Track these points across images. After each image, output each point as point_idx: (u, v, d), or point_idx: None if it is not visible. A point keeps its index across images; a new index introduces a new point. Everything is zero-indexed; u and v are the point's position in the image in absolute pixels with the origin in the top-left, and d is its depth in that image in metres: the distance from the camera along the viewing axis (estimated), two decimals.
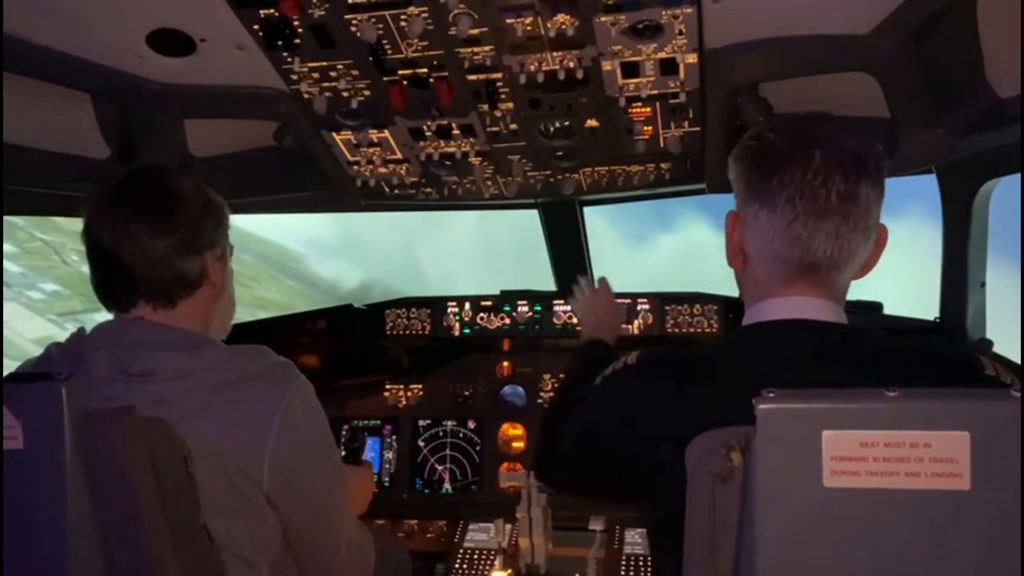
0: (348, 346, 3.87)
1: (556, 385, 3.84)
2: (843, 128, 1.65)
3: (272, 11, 2.13)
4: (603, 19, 2.16)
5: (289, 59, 2.34)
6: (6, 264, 15.51)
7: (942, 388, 1.26)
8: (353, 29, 2.19)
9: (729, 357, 1.67)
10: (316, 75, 2.43)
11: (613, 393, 1.79)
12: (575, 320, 3.64)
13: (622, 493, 1.91)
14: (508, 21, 2.16)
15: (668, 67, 2.36)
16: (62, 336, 2.05)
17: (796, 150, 1.59)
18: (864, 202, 1.59)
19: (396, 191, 3.16)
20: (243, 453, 1.86)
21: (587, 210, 3.66)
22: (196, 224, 1.99)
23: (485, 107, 2.57)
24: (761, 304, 1.68)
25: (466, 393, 3.93)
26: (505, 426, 3.86)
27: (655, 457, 1.61)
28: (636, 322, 3.57)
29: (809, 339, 1.60)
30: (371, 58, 2.33)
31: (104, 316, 2.05)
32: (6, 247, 16.06)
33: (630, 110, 2.59)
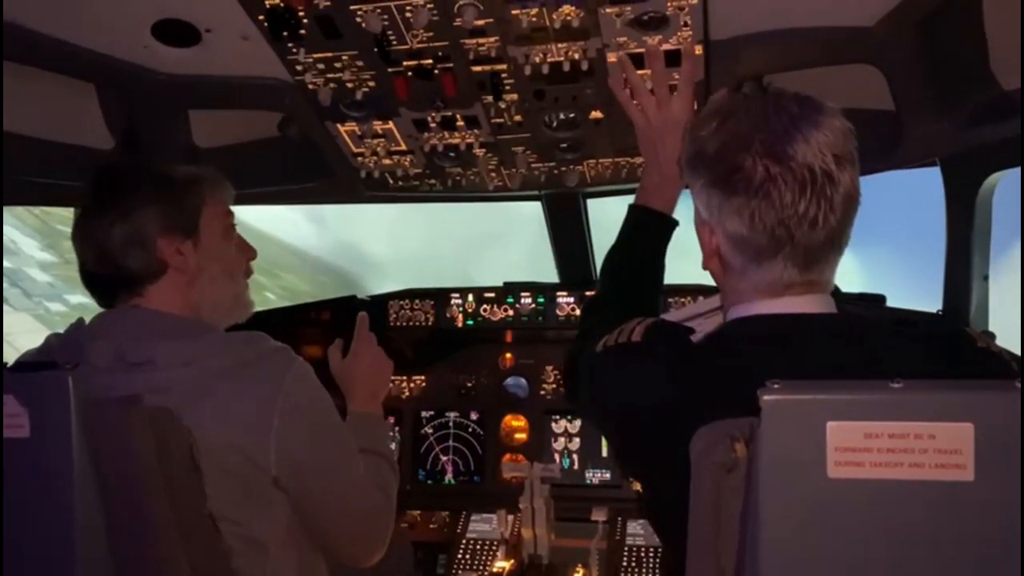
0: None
1: (559, 377, 3.85)
2: (813, 127, 1.48)
3: (278, 1, 2.13)
4: (608, 10, 2.15)
5: (294, 50, 2.34)
6: (33, 274, 15.27)
7: (946, 379, 1.27)
8: (358, 20, 2.19)
9: (728, 348, 1.61)
10: (321, 66, 2.43)
11: (613, 373, 1.73)
12: (578, 312, 3.64)
13: (626, 458, 1.89)
14: (513, 12, 2.16)
15: (673, 59, 2.36)
16: None
17: (774, 173, 1.46)
18: (848, 194, 1.50)
19: (400, 182, 3.16)
20: (247, 439, 1.87)
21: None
22: (140, 212, 1.97)
23: (490, 98, 2.57)
24: (755, 302, 1.61)
25: (469, 384, 3.93)
26: (508, 417, 3.86)
27: (656, 442, 1.61)
28: None
29: (806, 332, 1.57)
30: (376, 49, 2.32)
31: None
32: (44, 256, 15.85)
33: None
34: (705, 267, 1.68)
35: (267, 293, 19.56)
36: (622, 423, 1.72)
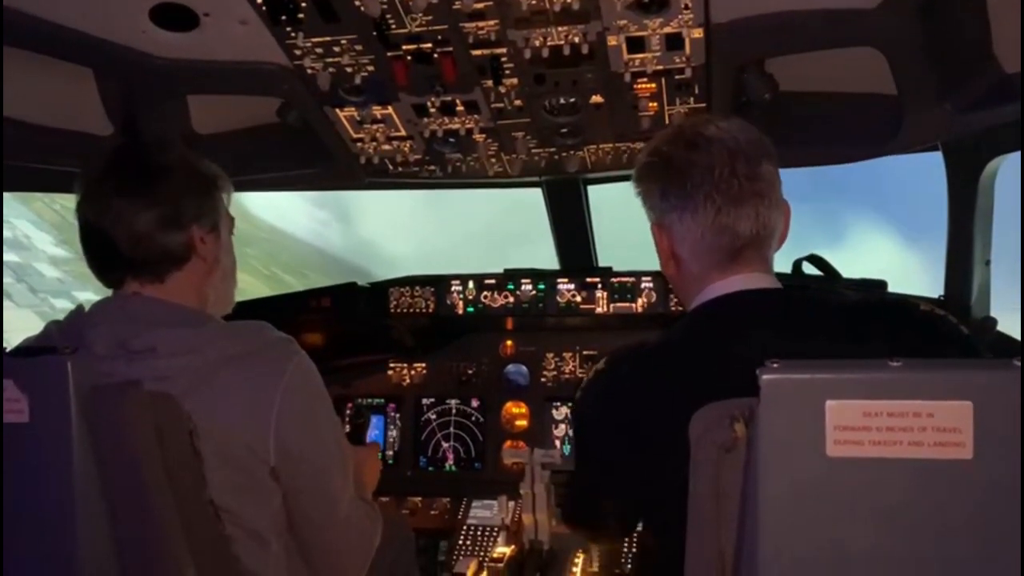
0: (352, 324, 3.87)
1: (559, 363, 3.86)
2: (727, 122, 1.82)
3: None
4: None
5: (293, 34, 2.33)
6: (42, 268, 15.05)
7: (944, 359, 1.27)
8: (357, 3, 2.18)
9: (691, 335, 1.79)
10: (320, 50, 2.41)
11: (596, 401, 1.89)
12: (579, 299, 3.64)
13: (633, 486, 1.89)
14: None
15: (674, 42, 2.35)
16: None
17: (696, 154, 1.76)
18: (768, 178, 1.77)
19: (400, 168, 3.15)
20: (248, 429, 1.87)
21: None
22: (180, 198, 1.98)
23: (489, 83, 2.56)
24: (704, 290, 1.80)
25: (470, 372, 3.94)
26: (508, 404, 3.87)
27: (653, 443, 1.67)
28: (640, 300, 3.56)
29: (755, 305, 1.73)
30: (375, 33, 2.31)
31: None
32: (59, 252, 15.64)
33: (635, 86, 2.57)
34: (664, 270, 1.91)
35: None
36: (615, 438, 1.80)
